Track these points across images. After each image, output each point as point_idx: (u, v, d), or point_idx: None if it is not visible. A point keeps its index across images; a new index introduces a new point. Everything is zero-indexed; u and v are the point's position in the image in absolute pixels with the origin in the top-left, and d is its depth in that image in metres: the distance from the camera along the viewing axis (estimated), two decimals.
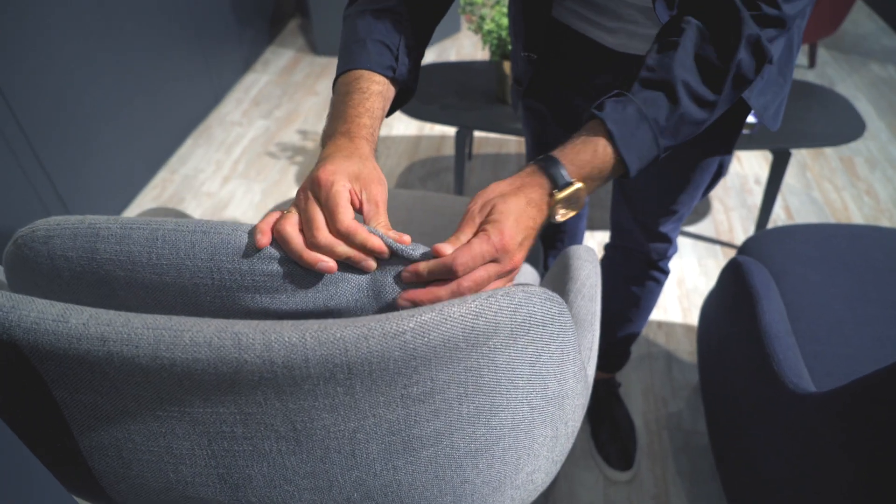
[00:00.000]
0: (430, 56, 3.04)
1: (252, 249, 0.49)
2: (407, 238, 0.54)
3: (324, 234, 0.52)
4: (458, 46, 3.13)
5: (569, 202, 0.65)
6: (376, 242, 0.52)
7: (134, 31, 2.00)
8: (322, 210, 0.54)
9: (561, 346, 0.58)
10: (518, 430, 0.57)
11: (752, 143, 1.66)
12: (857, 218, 2.05)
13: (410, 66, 0.74)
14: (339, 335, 0.43)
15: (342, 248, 0.52)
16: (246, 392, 0.45)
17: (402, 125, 2.50)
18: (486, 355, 0.49)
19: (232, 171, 2.25)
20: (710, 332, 1.19)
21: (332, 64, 2.97)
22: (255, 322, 0.43)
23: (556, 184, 0.63)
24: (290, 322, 0.43)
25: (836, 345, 1.05)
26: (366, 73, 0.68)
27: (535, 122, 1.14)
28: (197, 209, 2.07)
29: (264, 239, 0.51)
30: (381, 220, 0.56)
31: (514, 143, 2.40)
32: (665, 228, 1.11)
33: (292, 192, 2.15)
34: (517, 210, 0.59)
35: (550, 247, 1.44)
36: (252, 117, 2.55)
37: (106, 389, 0.46)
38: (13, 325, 0.44)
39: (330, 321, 0.44)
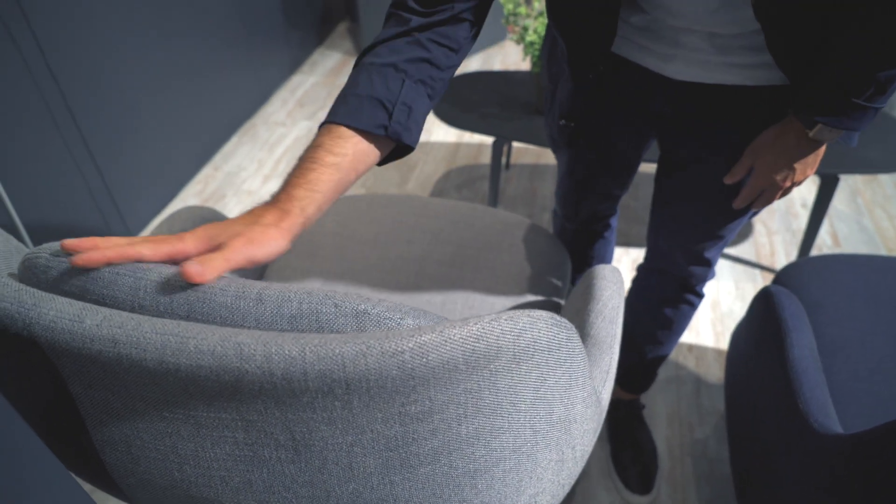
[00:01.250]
0: (475, 64, 3.04)
1: (226, 309, 0.50)
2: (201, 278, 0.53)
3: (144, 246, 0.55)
4: (504, 55, 3.13)
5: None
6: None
7: (184, 28, 2.07)
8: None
9: (568, 371, 0.58)
10: (520, 452, 0.57)
11: None
12: None
13: (408, 124, 0.73)
14: (337, 351, 0.43)
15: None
16: (247, 400, 0.46)
17: (442, 131, 2.52)
18: (488, 378, 0.49)
19: (273, 170, 2.30)
20: (738, 361, 1.15)
21: None
22: (258, 333, 0.44)
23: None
24: (293, 335, 0.44)
25: (875, 384, 1.01)
26: (331, 141, 0.68)
27: (580, 166, 1.14)
28: (237, 207, 2.12)
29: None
30: (212, 256, 0.54)
31: (552, 154, 2.38)
32: (709, 254, 1.09)
33: None
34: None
35: (578, 270, 1.43)
36: (296, 118, 2.60)
37: (117, 388, 0.48)
38: (33, 322, 0.46)
39: (330, 336, 0.44)
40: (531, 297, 1.14)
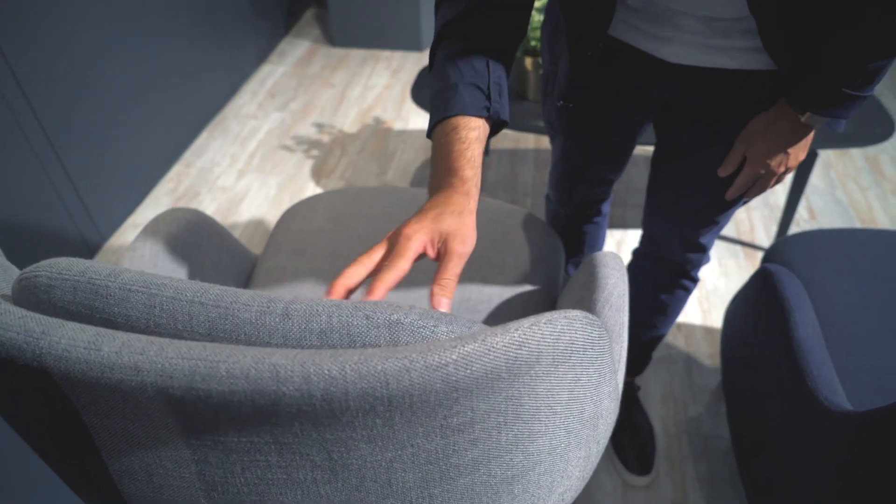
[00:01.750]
0: None
1: (250, 326, 0.48)
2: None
3: (355, 275, 0.59)
4: None
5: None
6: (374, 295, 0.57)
7: (148, 21, 1.98)
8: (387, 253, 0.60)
9: (598, 368, 0.57)
10: (554, 454, 0.56)
11: None
12: (882, 218, 2.01)
13: (502, 101, 0.76)
14: (379, 367, 0.41)
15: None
16: (283, 423, 0.44)
17: (420, 119, 2.48)
18: (528, 384, 0.48)
19: (247, 164, 2.24)
20: (735, 341, 1.16)
21: (348, 56, 2.94)
22: (293, 352, 0.42)
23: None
24: (329, 352, 0.42)
25: (868, 357, 1.03)
26: (462, 120, 0.70)
27: (576, 151, 1.13)
28: (212, 204, 2.06)
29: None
30: (445, 278, 0.59)
31: (531, 139, 2.37)
32: (704, 239, 1.09)
33: (307, 187, 2.13)
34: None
35: (571, 255, 1.42)
36: (267, 110, 2.53)
37: (138, 417, 0.45)
38: (44, 352, 0.43)
39: (370, 351, 0.42)
40: (528, 287, 1.13)
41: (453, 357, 0.42)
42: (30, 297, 0.52)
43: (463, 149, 0.68)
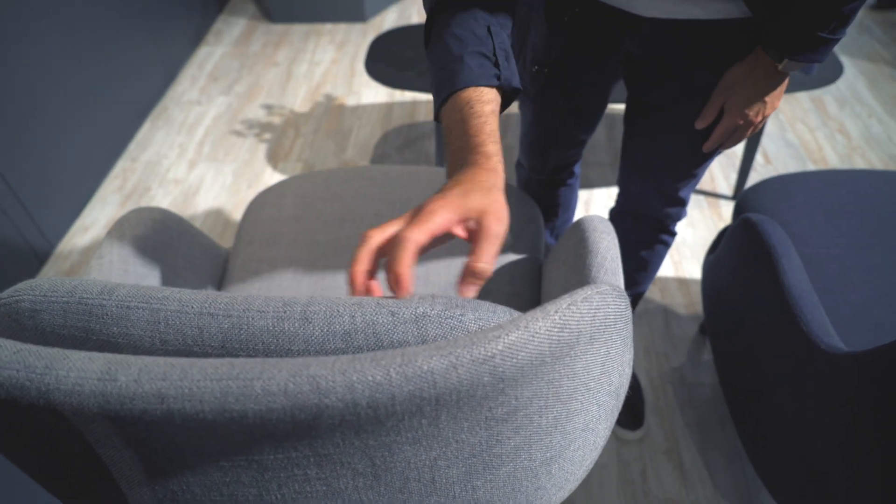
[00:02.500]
0: (391, 17, 2.91)
1: (268, 334, 0.45)
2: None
3: (377, 236, 0.53)
4: (419, 4, 3.01)
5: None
6: (402, 271, 0.50)
7: (69, 11, 1.84)
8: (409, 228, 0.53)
9: (624, 339, 0.56)
10: (587, 430, 0.55)
11: None
12: (832, 157, 2.08)
13: (511, 67, 0.71)
14: (426, 367, 0.39)
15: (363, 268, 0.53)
16: (323, 435, 0.41)
17: (372, 92, 2.41)
18: (568, 365, 0.46)
19: (198, 154, 2.14)
20: (719, 292, 1.19)
21: (289, 32, 2.82)
22: (330, 360, 0.39)
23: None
24: (370, 356, 0.39)
25: (846, 293, 1.06)
26: (473, 93, 0.66)
27: (548, 114, 1.11)
28: (165, 198, 1.96)
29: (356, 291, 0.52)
30: (483, 257, 0.53)
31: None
32: (683, 193, 1.09)
33: (265, 172, 2.05)
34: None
35: (546, 220, 1.42)
36: (211, 94, 2.41)
37: (162, 446, 0.42)
38: (51, 389, 0.38)
39: (411, 350, 0.40)
40: (513, 256, 1.12)
41: (499, 348, 0.40)
42: (11, 324, 0.47)
43: (481, 123, 0.63)
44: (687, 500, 1.27)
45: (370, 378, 0.38)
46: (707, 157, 1.04)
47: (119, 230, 0.97)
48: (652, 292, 1.69)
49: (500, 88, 0.69)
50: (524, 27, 1.01)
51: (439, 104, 0.69)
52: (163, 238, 1.03)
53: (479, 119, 0.63)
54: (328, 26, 2.85)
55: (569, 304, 0.44)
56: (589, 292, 0.47)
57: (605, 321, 0.48)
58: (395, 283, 0.49)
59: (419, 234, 0.51)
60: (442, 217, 0.53)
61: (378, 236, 0.54)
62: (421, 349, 0.40)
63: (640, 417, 1.40)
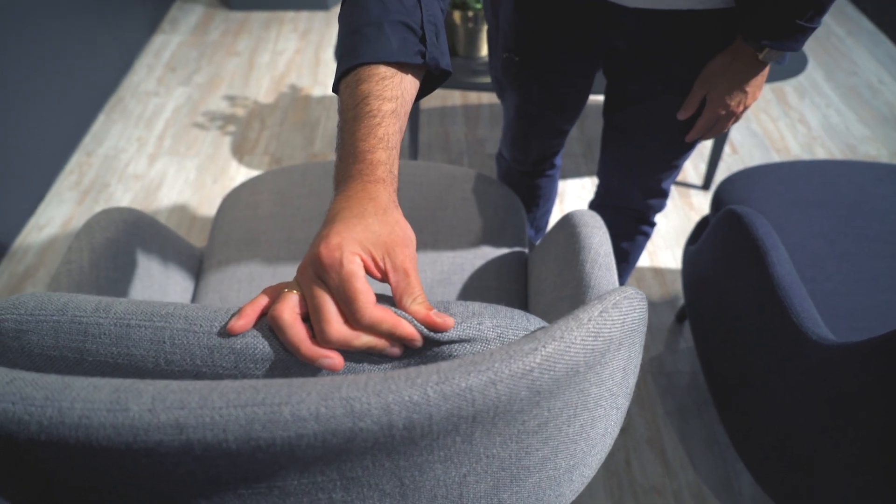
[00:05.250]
0: None
1: (284, 351, 0.41)
2: (451, 320, 0.44)
3: (336, 328, 0.42)
4: None
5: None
6: (408, 330, 0.43)
7: (22, 1, 1.73)
8: (333, 297, 0.43)
9: (642, 341, 0.55)
10: (607, 434, 0.54)
11: None
12: (794, 147, 2.13)
13: (441, 45, 0.61)
14: (464, 385, 0.37)
15: (362, 340, 0.42)
16: (353, 458, 0.38)
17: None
18: (597, 372, 0.45)
19: (158, 147, 2.04)
20: (702, 285, 1.20)
21: (249, 19, 2.73)
22: (362, 379, 0.36)
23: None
24: (403, 374, 0.37)
25: (820, 282, 1.09)
26: (375, 86, 0.55)
27: (529, 106, 1.10)
28: (126, 195, 1.87)
29: (240, 322, 0.42)
30: (415, 293, 0.46)
31: (457, 95, 2.31)
32: (665, 184, 1.10)
33: (230, 166, 1.98)
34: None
35: (527, 210, 1.41)
36: (170, 85, 2.31)
37: (178, 477, 0.38)
38: (54, 423, 0.35)
39: (446, 366, 0.38)
40: (498, 251, 1.11)
41: (537, 361, 0.38)
42: None
43: (374, 125, 0.53)
44: (670, 487, 1.29)
45: (407, 398, 0.36)
46: (688, 149, 1.04)
47: (88, 234, 0.91)
48: (628, 283, 1.70)
49: (422, 67, 0.60)
50: (496, 10, 0.99)
51: (340, 75, 0.58)
52: (134, 241, 0.98)
53: (373, 120, 0.54)
54: (289, 14, 2.76)
55: (601, 311, 0.43)
56: (617, 297, 0.45)
57: (631, 326, 0.47)
58: (411, 340, 0.43)
59: (368, 308, 0.42)
60: (355, 269, 0.43)
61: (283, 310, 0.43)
62: (456, 364, 0.38)
63: None
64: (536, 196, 1.38)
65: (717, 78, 0.89)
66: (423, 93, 0.65)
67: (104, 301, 0.43)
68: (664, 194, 1.15)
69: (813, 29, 0.79)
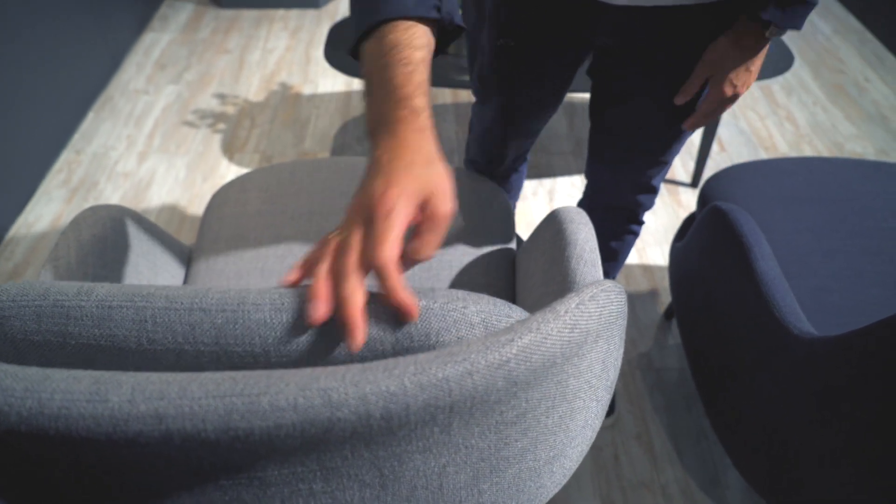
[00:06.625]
0: (346, 3, 2.85)
1: (265, 327, 0.42)
2: (415, 312, 0.45)
3: (351, 261, 0.44)
4: None
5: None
6: (406, 298, 0.43)
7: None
8: (367, 231, 0.45)
9: (622, 334, 0.56)
10: (587, 426, 0.55)
11: None
12: (782, 144, 2.15)
13: (453, 1, 0.61)
14: (441, 375, 0.37)
15: (355, 299, 0.43)
16: (332, 448, 0.39)
17: (330, 80, 2.35)
18: (575, 364, 0.46)
19: (148, 146, 2.04)
20: (689, 281, 1.21)
21: (239, 17, 2.72)
22: (341, 370, 0.37)
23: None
24: (381, 365, 0.38)
25: (806, 278, 1.10)
26: (403, 34, 0.55)
27: (513, 109, 1.11)
28: (115, 193, 1.87)
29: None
30: (435, 245, 0.47)
31: (448, 94, 2.32)
32: (656, 181, 1.10)
33: (220, 165, 1.98)
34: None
35: None
36: (159, 83, 2.31)
37: (160, 468, 0.39)
38: (34, 414, 0.35)
39: (424, 357, 0.38)
40: (486, 248, 1.11)
41: (513, 352, 0.39)
42: None
43: (409, 72, 0.54)
44: (658, 482, 1.30)
45: (384, 388, 0.36)
46: (677, 143, 1.05)
47: (76, 230, 0.91)
48: (617, 279, 1.71)
49: (436, 24, 0.60)
50: (481, 7, 0.99)
51: (360, 36, 0.58)
52: (122, 237, 0.98)
53: (407, 67, 0.54)
54: (280, 12, 2.76)
55: (577, 304, 0.44)
56: (595, 290, 0.46)
57: (609, 319, 0.48)
58: (406, 312, 0.44)
59: (391, 251, 0.44)
60: (402, 217, 0.46)
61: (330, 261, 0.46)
62: (433, 356, 0.38)
63: (612, 404, 1.42)
64: (507, 191, 1.41)
65: (723, 59, 0.90)
66: (436, 51, 0.64)
67: (85, 286, 0.44)
68: (654, 190, 1.16)
69: (812, 4, 0.82)
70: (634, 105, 1.00)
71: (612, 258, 1.30)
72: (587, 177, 1.21)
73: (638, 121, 1.02)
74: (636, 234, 1.27)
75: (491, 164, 1.29)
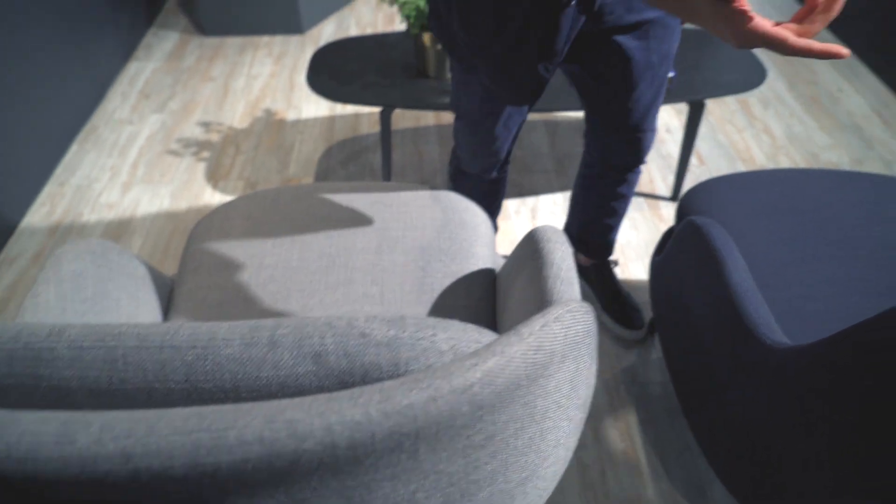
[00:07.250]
0: (329, 28, 2.88)
1: (234, 362, 0.43)
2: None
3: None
4: (357, 16, 2.99)
5: None
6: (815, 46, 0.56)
7: None
8: None
9: (591, 353, 0.57)
10: (559, 445, 0.56)
11: (670, 97, 1.71)
12: (760, 156, 2.19)
13: None
14: (405, 402, 0.38)
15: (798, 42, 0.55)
16: (300, 480, 0.40)
17: (313, 106, 2.38)
18: (542, 385, 0.47)
19: (131, 176, 2.05)
20: (667, 295, 1.23)
21: (224, 45, 2.75)
22: (307, 401, 0.38)
23: None
24: (346, 395, 0.38)
25: (783, 289, 1.12)
26: None
27: (517, 115, 1.17)
28: (99, 224, 1.87)
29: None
30: None
31: (430, 116, 2.35)
32: (653, 119, 1.20)
33: (204, 193, 1.99)
34: None
35: (492, 214, 1.50)
36: (143, 112, 2.32)
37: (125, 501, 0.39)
38: (1, 458, 0.36)
39: (389, 385, 0.39)
40: (467, 269, 1.13)
41: (477, 376, 0.40)
42: None
43: None
44: (645, 498, 1.31)
45: (349, 418, 0.37)
46: (663, 83, 1.13)
47: (55, 266, 0.92)
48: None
49: None
50: (502, 19, 0.96)
51: None
52: (102, 272, 0.98)
53: None
54: (264, 39, 2.79)
55: (542, 326, 0.45)
56: (559, 311, 0.47)
57: (574, 339, 0.49)
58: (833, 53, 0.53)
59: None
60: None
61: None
62: (398, 383, 0.39)
63: (641, 320, 1.56)
64: (499, 197, 1.48)
65: None
66: None
67: (56, 327, 0.44)
68: (654, 128, 1.23)
69: None
70: (625, 69, 1.08)
71: (621, 202, 1.42)
72: (585, 137, 1.30)
73: (632, 80, 1.11)
74: (639, 171, 1.37)
75: (485, 171, 1.34)
